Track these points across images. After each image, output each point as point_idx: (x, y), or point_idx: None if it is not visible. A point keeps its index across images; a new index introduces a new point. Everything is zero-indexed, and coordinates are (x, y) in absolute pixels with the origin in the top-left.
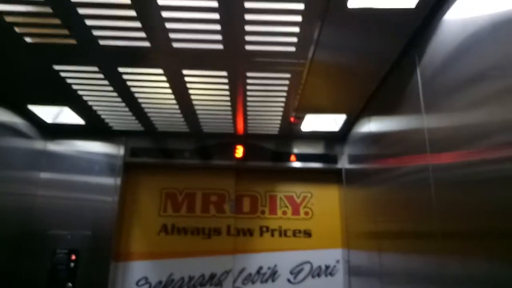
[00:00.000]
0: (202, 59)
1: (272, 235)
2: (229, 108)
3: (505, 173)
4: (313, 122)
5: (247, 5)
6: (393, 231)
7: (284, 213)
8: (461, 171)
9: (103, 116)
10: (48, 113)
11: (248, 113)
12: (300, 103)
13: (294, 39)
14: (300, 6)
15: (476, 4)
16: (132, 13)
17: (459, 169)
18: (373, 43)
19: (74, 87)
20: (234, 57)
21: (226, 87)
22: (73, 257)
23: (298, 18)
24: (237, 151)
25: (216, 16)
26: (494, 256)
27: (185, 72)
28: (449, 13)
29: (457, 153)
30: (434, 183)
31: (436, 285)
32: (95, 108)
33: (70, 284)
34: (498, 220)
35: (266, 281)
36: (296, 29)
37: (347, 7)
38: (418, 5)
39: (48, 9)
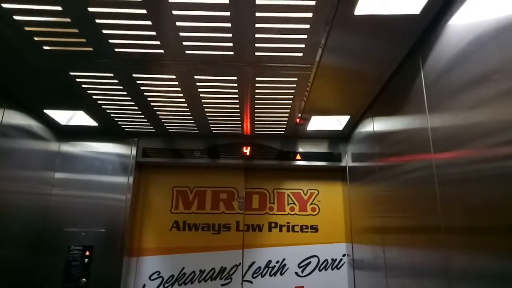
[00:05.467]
0: (213, 65)
1: (281, 230)
2: (237, 110)
3: (506, 170)
4: (318, 123)
5: (258, 14)
6: (397, 226)
7: (292, 209)
8: (464, 168)
9: (116, 119)
10: (63, 116)
11: (256, 115)
12: (306, 106)
13: (302, 45)
14: (308, 15)
15: (480, 9)
16: (148, 22)
17: (462, 166)
18: (379, 48)
19: (90, 92)
20: (243, 63)
21: (236, 91)
22: (87, 253)
23: (306, 26)
24: (245, 150)
25: (227, 25)
26: (498, 250)
27: (196, 77)
28: (453, 19)
29: (460, 151)
30: (438, 180)
31: (440, 278)
32: (108, 111)
33: (84, 280)
34: (501, 215)
35: (274, 274)
36: (304, 36)
37: (354, 14)
38: (423, 11)
39: (66, 19)
